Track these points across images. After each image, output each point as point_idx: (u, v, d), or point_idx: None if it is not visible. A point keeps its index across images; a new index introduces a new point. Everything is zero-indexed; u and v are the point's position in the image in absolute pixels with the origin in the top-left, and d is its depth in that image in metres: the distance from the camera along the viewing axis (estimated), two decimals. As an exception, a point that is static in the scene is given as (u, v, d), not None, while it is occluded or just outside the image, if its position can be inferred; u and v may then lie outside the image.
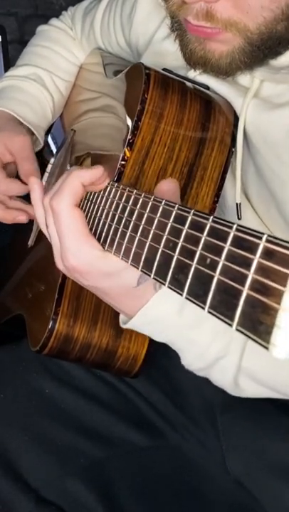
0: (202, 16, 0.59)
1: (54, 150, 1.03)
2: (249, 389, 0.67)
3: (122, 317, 0.67)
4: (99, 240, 0.59)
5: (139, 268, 0.49)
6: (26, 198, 0.91)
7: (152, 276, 0.46)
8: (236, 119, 0.71)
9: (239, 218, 0.73)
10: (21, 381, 0.83)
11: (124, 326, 0.65)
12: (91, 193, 0.64)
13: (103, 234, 0.58)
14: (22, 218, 0.86)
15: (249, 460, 0.81)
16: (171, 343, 0.65)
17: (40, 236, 0.93)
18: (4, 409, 0.80)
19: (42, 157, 1.02)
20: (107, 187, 0.61)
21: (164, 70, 0.73)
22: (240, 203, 0.72)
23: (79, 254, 0.57)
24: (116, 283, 0.59)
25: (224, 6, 0.58)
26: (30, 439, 0.77)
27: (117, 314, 0.68)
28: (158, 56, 0.83)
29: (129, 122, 0.70)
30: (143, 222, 0.50)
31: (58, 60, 1.04)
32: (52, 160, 0.98)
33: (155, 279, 0.46)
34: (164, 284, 0.44)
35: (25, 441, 0.77)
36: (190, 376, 0.69)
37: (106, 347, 0.72)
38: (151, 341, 0.71)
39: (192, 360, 0.65)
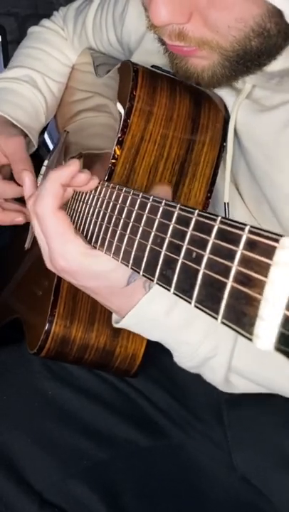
0: (175, 37, 0.59)
1: (51, 147, 1.03)
2: (240, 386, 0.68)
3: (114, 316, 0.67)
4: (91, 239, 0.59)
5: (129, 266, 0.49)
6: (21, 200, 0.91)
7: (141, 273, 0.46)
8: (227, 113, 0.70)
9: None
10: (24, 382, 0.82)
11: (116, 325, 0.65)
12: (83, 193, 0.63)
13: (95, 234, 0.58)
14: (20, 220, 0.86)
15: (257, 455, 0.80)
16: (163, 342, 0.66)
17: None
18: (7, 411, 0.79)
19: (38, 156, 1.01)
20: (97, 186, 0.60)
21: (152, 66, 0.73)
22: (228, 203, 0.72)
23: (66, 255, 0.58)
24: (104, 283, 0.59)
25: (196, 26, 0.57)
26: (33, 440, 0.77)
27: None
28: (149, 55, 0.82)
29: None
30: (132, 220, 0.50)
31: (50, 62, 1.04)
32: (46, 162, 0.98)
33: (144, 276, 0.45)
34: (153, 281, 0.43)
35: (28, 443, 0.76)
36: (192, 373, 0.69)
37: (104, 347, 0.72)
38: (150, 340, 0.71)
39: (183, 359, 0.66)
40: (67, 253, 0.58)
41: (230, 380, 0.67)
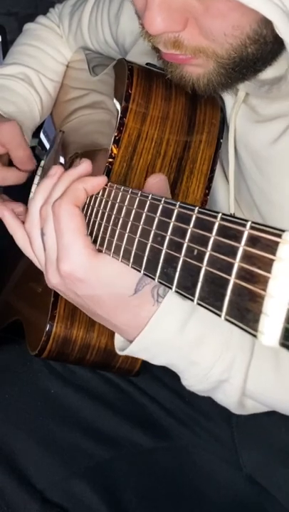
0: (170, 45, 0.58)
1: (47, 146, 1.02)
2: (253, 408, 0.65)
3: (117, 343, 0.64)
4: (94, 241, 0.58)
5: (130, 264, 0.48)
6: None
7: (142, 271, 0.46)
8: (224, 111, 0.70)
9: None
10: (26, 381, 0.82)
11: (121, 353, 0.62)
12: None
13: (94, 234, 0.58)
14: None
15: (265, 454, 0.80)
16: (172, 366, 0.63)
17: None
18: (9, 410, 0.79)
19: (35, 156, 1.01)
20: None
21: (147, 64, 0.72)
22: (234, 213, 0.71)
23: (73, 257, 0.55)
24: (110, 291, 0.56)
25: (191, 34, 0.56)
26: (36, 439, 0.76)
27: None
28: (144, 55, 0.82)
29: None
30: (131, 219, 0.50)
31: (45, 60, 1.02)
32: (42, 162, 0.97)
33: (145, 275, 0.45)
34: (154, 279, 0.43)
35: (31, 442, 0.76)
36: None
37: (105, 347, 0.71)
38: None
39: (194, 382, 0.62)
40: (75, 255, 0.55)
41: (244, 404, 0.64)
